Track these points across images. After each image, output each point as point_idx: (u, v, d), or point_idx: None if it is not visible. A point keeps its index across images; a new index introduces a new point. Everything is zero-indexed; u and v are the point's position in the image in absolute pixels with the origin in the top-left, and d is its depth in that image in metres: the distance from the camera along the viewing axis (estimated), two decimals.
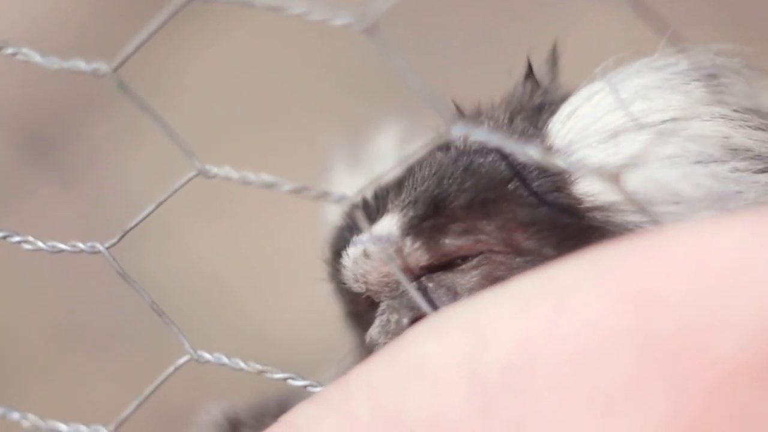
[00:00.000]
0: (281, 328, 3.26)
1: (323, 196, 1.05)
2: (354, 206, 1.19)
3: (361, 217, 1.17)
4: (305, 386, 1.15)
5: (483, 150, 1.30)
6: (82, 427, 1.16)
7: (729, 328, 0.94)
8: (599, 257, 1.00)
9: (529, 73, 1.41)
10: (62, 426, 1.16)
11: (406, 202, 1.31)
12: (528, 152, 1.01)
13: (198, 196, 3.22)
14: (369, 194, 1.36)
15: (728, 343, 0.94)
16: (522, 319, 0.99)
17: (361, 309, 1.38)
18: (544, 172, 1.29)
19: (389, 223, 1.31)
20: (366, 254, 1.31)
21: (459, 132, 1.00)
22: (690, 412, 0.94)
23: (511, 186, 1.29)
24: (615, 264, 0.99)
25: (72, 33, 3.83)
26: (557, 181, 1.28)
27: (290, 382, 1.15)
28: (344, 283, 1.34)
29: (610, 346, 0.96)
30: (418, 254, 1.29)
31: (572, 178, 1.28)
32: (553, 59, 1.43)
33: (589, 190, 1.27)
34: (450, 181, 1.30)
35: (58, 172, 3.71)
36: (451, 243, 1.29)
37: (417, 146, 1.01)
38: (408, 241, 1.29)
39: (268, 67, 3.83)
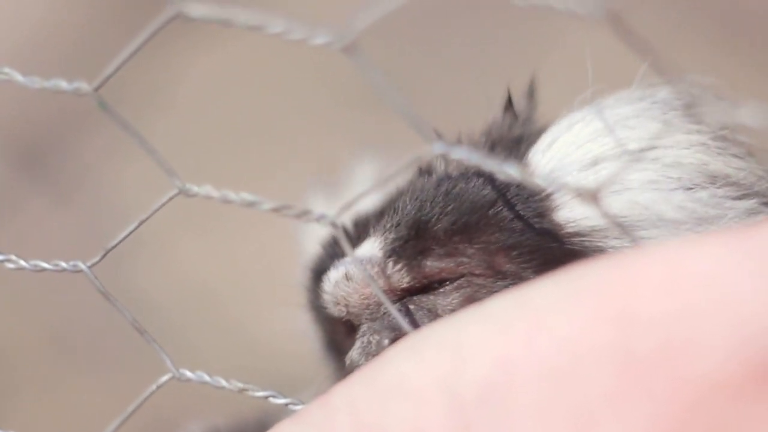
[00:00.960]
0: (272, 340, 3.26)
1: (304, 215, 1.06)
2: (334, 231, 1.19)
3: (345, 242, 1.17)
4: (286, 404, 1.15)
5: (465, 175, 1.32)
6: None
7: (706, 346, 0.94)
8: (577, 276, 1.00)
9: (508, 104, 1.43)
10: None
11: (389, 225, 1.31)
12: (507, 171, 1.01)
13: (189, 210, 3.23)
14: (348, 222, 1.37)
15: (706, 361, 0.94)
16: (500, 337, 0.99)
17: (339, 338, 1.38)
18: (526, 198, 1.30)
19: (371, 246, 1.31)
20: (347, 276, 1.31)
21: (438, 150, 1.01)
22: (668, 429, 0.94)
23: (493, 210, 1.30)
24: (593, 282, 0.99)
25: (67, 43, 3.84)
26: (539, 207, 1.29)
27: (272, 400, 1.15)
28: (324, 308, 1.34)
29: (588, 363, 0.96)
30: (399, 276, 1.30)
31: (554, 205, 1.29)
32: (531, 91, 1.45)
33: (571, 216, 1.28)
34: (432, 204, 1.31)
35: (51, 188, 3.71)
36: (433, 265, 1.30)
37: (397, 166, 1.01)
38: (390, 263, 1.30)
39: (260, 81, 3.84)
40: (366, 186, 1.12)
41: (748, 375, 0.94)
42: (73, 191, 3.69)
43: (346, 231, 1.35)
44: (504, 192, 1.30)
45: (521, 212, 1.29)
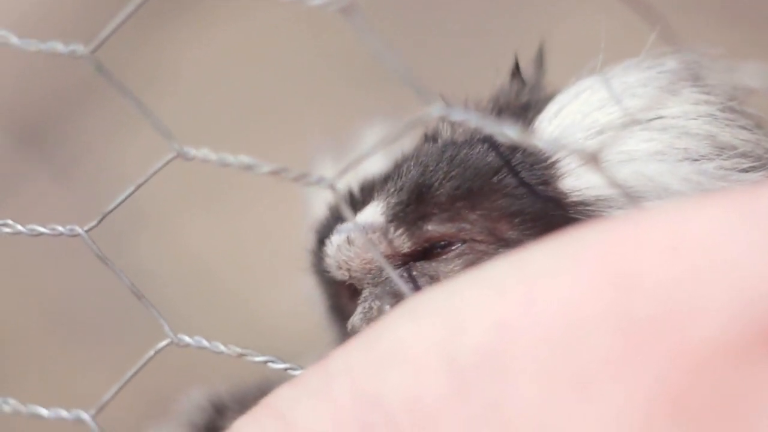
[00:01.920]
0: (272, 316, 3.26)
1: (302, 177, 1.05)
2: (338, 196, 1.19)
3: (345, 206, 1.17)
4: (285, 369, 1.15)
5: (470, 141, 1.32)
6: (63, 412, 1.15)
7: (709, 311, 0.94)
8: (576, 239, 1.00)
9: (516, 71, 1.42)
10: (43, 410, 1.16)
11: (392, 190, 1.31)
12: (507, 132, 1.00)
13: (190, 184, 3.22)
14: (356, 186, 1.37)
15: (707, 326, 0.94)
16: (497, 301, 0.99)
17: (342, 301, 1.38)
18: (530, 165, 1.29)
19: (373, 211, 1.31)
20: (349, 241, 1.31)
21: (438, 112, 1.00)
22: (670, 394, 0.94)
23: (497, 177, 1.29)
24: (592, 246, 0.98)
25: (69, 16, 3.83)
26: (543, 174, 1.29)
27: (270, 365, 1.15)
28: (327, 272, 1.34)
29: (588, 328, 0.96)
30: (401, 241, 1.29)
31: (559, 173, 1.28)
32: (540, 58, 1.44)
33: (576, 184, 1.28)
34: (435, 169, 1.30)
35: (52, 163, 3.71)
36: (434, 230, 1.29)
37: (398, 127, 1.00)
38: (392, 228, 1.29)
39: (263, 56, 3.83)
40: (367, 148, 1.11)
41: (750, 340, 0.93)
42: (75, 166, 3.69)
43: (352, 195, 1.36)
44: (509, 158, 1.29)
45: (525, 179, 1.28)
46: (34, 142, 3.75)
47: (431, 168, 1.31)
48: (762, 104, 1.28)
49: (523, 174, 1.29)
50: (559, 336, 0.96)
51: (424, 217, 1.30)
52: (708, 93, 1.28)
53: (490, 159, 1.30)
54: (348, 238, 1.31)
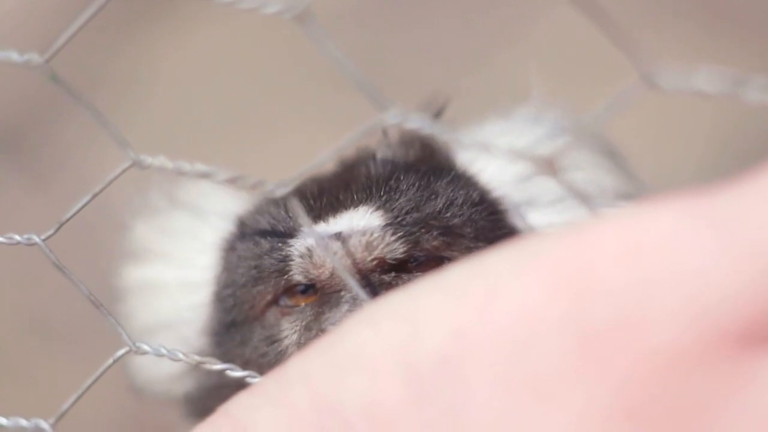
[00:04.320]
0: None
1: (258, 185, 1.05)
2: (295, 204, 1.19)
3: (300, 212, 1.16)
4: (244, 377, 1.14)
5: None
6: (23, 421, 1.15)
7: (664, 318, 0.94)
8: (533, 244, 1.00)
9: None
10: (2, 419, 1.16)
11: (390, 197, 1.33)
12: (462, 140, 1.00)
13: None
14: (313, 189, 1.36)
15: (664, 331, 0.93)
16: (454, 306, 0.98)
17: (254, 313, 1.37)
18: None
19: (366, 214, 1.32)
20: (311, 251, 1.31)
21: (393, 119, 1.00)
22: (628, 399, 0.93)
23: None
24: (548, 252, 0.98)
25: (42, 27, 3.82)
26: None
27: (229, 373, 1.15)
28: (281, 275, 1.33)
29: (545, 334, 0.96)
30: (392, 247, 1.30)
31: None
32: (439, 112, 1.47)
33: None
34: (436, 185, 1.35)
35: (30, 171, 3.69)
36: (430, 241, 1.31)
37: (350, 135, 1.00)
38: (389, 233, 1.30)
39: (244, 62, 3.83)
40: (321, 156, 1.11)
41: (707, 345, 0.93)
42: (54, 174, 3.67)
43: (314, 195, 1.36)
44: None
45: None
46: (12, 148, 3.74)
47: (438, 182, 1.35)
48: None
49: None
50: (516, 342, 0.96)
51: (423, 227, 1.32)
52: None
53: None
54: (310, 248, 1.31)
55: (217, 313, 1.39)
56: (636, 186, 1.38)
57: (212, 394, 1.37)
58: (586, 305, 0.95)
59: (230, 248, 1.40)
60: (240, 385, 1.29)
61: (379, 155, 1.40)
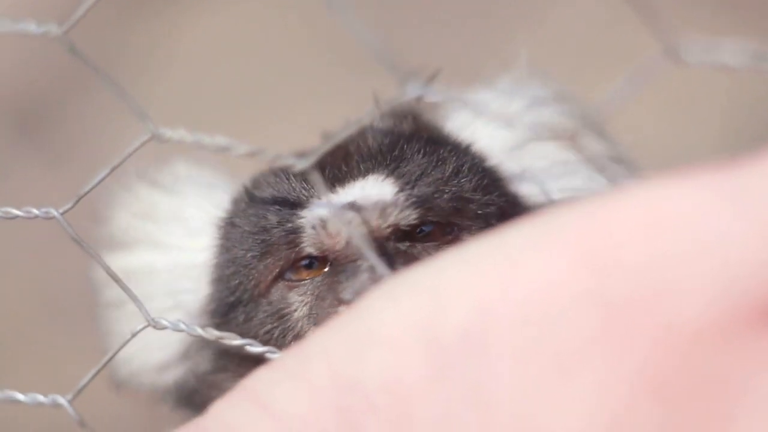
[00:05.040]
0: None
1: (277, 159, 1.04)
2: (316, 178, 1.18)
3: (320, 185, 1.15)
4: (263, 353, 1.14)
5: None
6: (40, 397, 1.15)
7: (688, 292, 0.93)
8: (554, 219, 0.99)
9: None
10: (20, 395, 1.15)
11: (398, 165, 1.32)
12: (479, 108, 0.99)
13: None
14: (338, 157, 1.35)
15: (688, 307, 0.93)
16: (476, 282, 0.98)
17: (266, 283, 1.36)
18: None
19: (377, 182, 1.31)
20: (323, 222, 1.30)
21: (413, 92, 0.99)
22: (653, 372, 0.93)
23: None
24: (570, 226, 0.97)
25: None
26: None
27: (248, 348, 1.14)
28: (292, 247, 1.32)
29: (567, 309, 0.95)
30: (405, 214, 1.29)
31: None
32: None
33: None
34: (445, 153, 1.35)
35: (47, 151, 3.70)
36: (443, 208, 1.31)
37: (367, 110, 0.99)
38: (401, 198, 1.29)
39: (259, 41, 3.82)
40: (341, 129, 1.09)
41: (733, 319, 0.92)
42: (70, 154, 3.68)
43: (336, 165, 1.34)
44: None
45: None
46: (29, 129, 3.74)
47: (441, 150, 1.34)
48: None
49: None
50: (538, 317, 0.95)
51: (435, 192, 1.31)
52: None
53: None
54: (322, 218, 1.30)
55: (219, 294, 1.37)
56: (619, 152, 1.38)
57: (206, 380, 1.36)
58: (608, 280, 0.94)
59: (230, 225, 1.39)
60: (235, 371, 1.29)
61: (376, 126, 1.39)
